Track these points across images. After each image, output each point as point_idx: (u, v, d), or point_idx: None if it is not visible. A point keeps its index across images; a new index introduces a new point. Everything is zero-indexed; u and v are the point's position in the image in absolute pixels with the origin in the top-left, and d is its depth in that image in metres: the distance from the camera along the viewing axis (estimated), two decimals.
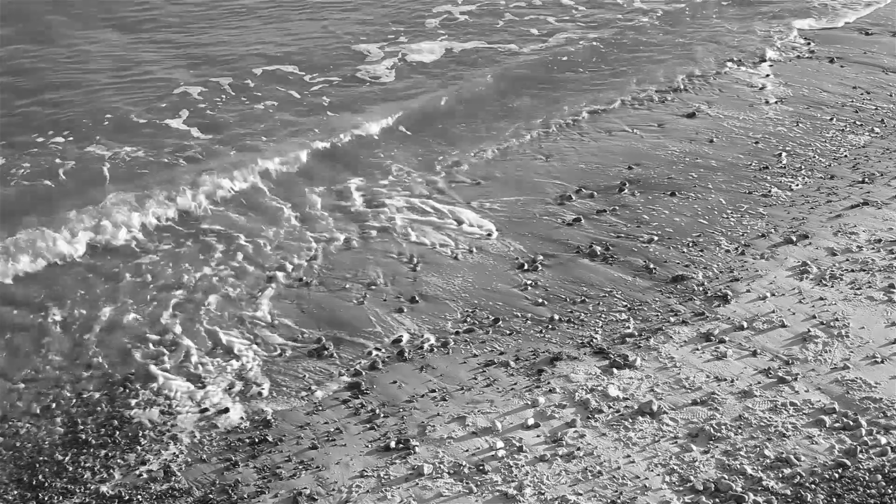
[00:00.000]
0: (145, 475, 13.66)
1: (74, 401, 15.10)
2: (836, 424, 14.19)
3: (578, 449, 13.88)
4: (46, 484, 13.55)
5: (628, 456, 13.75)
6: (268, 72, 26.63)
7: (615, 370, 15.43)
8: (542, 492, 13.17)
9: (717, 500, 12.98)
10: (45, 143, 22.42)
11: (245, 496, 13.26)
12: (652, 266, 18.10)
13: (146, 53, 27.52)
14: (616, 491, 13.16)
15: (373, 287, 17.78)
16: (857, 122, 23.58)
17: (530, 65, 27.43)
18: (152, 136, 23.01)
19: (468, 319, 16.86)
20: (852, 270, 17.66)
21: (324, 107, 24.88)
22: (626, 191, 20.74)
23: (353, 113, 24.46)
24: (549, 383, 15.22)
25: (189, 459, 13.94)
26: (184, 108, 24.34)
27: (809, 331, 16.09)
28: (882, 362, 15.36)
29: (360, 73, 26.79)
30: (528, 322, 16.76)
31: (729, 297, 17.02)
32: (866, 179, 20.85)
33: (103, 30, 29.24)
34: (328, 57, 27.71)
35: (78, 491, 13.41)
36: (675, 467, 13.52)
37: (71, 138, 22.68)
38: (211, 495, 13.30)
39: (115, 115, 23.85)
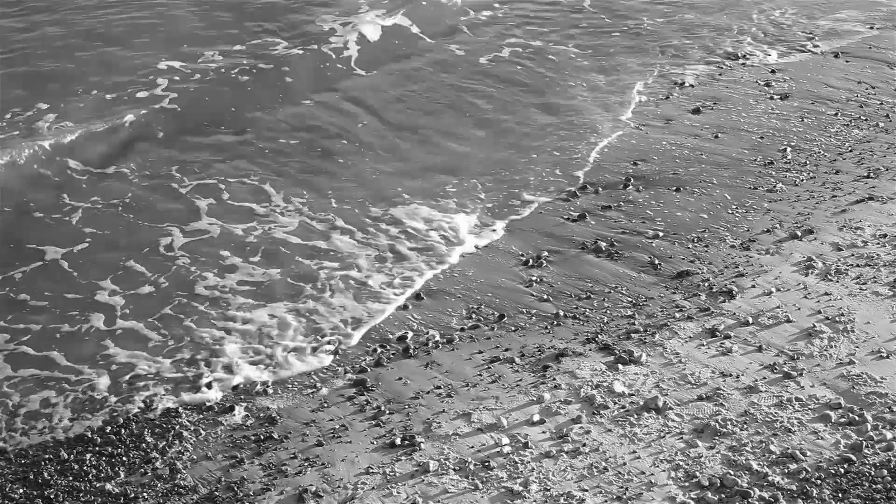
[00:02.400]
0: (150, 473, 13.68)
1: (79, 398, 15.12)
2: (842, 420, 14.17)
3: (584, 445, 13.88)
4: (51, 482, 13.57)
5: (634, 452, 13.75)
6: None
7: (620, 366, 15.42)
8: (548, 488, 13.17)
9: (723, 495, 12.97)
10: None
11: (251, 493, 13.27)
12: (657, 262, 18.09)
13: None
14: (622, 487, 13.16)
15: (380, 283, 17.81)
16: (862, 117, 23.54)
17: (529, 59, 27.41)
18: None
19: (473, 316, 16.86)
20: (857, 265, 17.64)
21: None
22: (630, 187, 20.73)
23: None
24: (554, 379, 15.22)
25: (194, 457, 13.96)
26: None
27: (815, 326, 16.08)
28: (888, 357, 15.35)
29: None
30: (534, 318, 16.76)
31: (734, 293, 17.01)
32: (871, 174, 20.82)
33: None
34: None
35: (83, 489, 13.44)
36: (681, 463, 13.51)
37: None
38: (217, 493, 13.31)
39: None
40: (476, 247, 18.81)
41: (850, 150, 21.94)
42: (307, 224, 19.49)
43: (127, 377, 15.50)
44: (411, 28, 29.57)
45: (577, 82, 26.01)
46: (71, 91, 24.76)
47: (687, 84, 25.70)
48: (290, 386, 15.34)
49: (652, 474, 13.35)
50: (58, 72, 25.77)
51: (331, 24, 29.57)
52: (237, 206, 20.14)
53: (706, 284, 17.37)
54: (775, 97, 24.77)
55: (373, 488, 13.27)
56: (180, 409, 14.86)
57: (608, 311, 16.86)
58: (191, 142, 22.76)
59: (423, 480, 13.38)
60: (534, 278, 17.79)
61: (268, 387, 15.27)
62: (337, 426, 14.43)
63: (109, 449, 14.11)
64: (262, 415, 14.72)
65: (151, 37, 28.06)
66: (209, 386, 15.26)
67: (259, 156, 22.16)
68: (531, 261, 18.33)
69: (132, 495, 13.31)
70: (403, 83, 25.92)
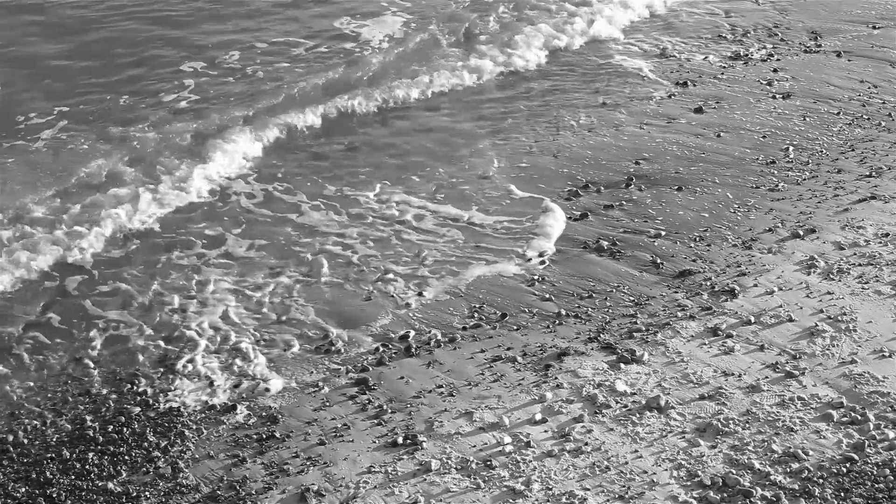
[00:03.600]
0: (152, 472, 13.69)
1: (82, 397, 15.13)
2: (844, 419, 14.18)
3: (586, 444, 13.89)
4: (54, 481, 13.58)
5: (636, 451, 13.75)
6: None
7: (623, 365, 15.42)
8: (550, 487, 13.17)
9: (725, 494, 12.97)
10: None
11: (253, 492, 13.28)
12: (659, 261, 18.08)
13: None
14: (624, 486, 13.16)
15: (381, 282, 17.78)
16: (865, 116, 23.52)
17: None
18: None
19: (475, 315, 16.86)
20: (860, 264, 17.63)
21: None
22: (633, 186, 20.71)
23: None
24: (556, 378, 15.22)
25: (196, 456, 13.97)
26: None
27: (817, 325, 16.08)
28: (890, 356, 15.35)
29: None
30: (536, 317, 16.75)
31: (736, 292, 17.01)
32: (873, 173, 20.81)
33: None
34: None
35: (85, 488, 13.44)
36: (683, 462, 13.52)
37: None
38: (219, 492, 13.32)
39: None
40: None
41: (853, 150, 21.93)
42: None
43: (126, 373, 15.58)
44: None
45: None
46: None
47: (689, 83, 25.67)
48: (292, 385, 15.34)
49: (654, 473, 13.36)
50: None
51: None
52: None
53: (708, 283, 17.36)
54: (777, 96, 24.74)
55: (375, 487, 13.28)
56: (182, 408, 14.87)
57: (610, 311, 16.85)
58: None
59: (426, 479, 13.39)
60: (536, 277, 17.79)
61: (270, 385, 15.29)
62: (339, 425, 14.44)
63: (111, 448, 14.13)
64: (264, 413, 14.73)
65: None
66: (212, 385, 15.29)
67: None
68: (533, 259, 18.32)
69: (134, 494, 13.32)
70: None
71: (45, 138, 22.63)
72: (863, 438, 13.78)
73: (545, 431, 14.19)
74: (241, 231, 19.31)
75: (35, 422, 14.68)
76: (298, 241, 19.03)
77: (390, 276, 17.88)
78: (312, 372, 15.62)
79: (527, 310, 16.96)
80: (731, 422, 14.17)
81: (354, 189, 20.75)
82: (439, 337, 16.26)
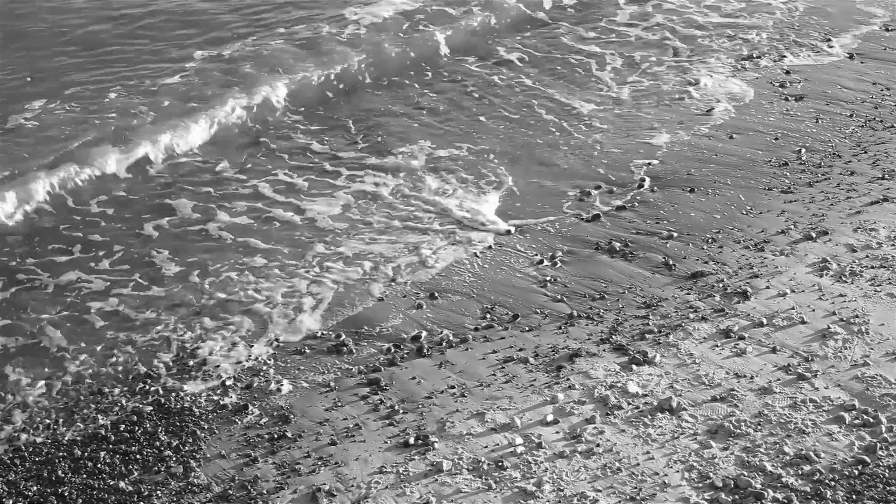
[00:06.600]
0: (164, 471, 13.71)
1: (93, 396, 15.16)
2: (856, 421, 14.15)
3: (598, 445, 13.88)
4: (65, 480, 13.61)
5: (647, 452, 13.74)
6: None
7: (634, 367, 15.41)
8: (561, 488, 13.17)
9: (737, 496, 12.96)
10: None
11: (264, 492, 13.29)
12: (671, 262, 18.07)
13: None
14: (635, 487, 13.15)
15: (392, 283, 17.79)
16: (877, 119, 23.48)
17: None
18: None
19: (487, 316, 16.86)
20: (872, 267, 17.59)
21: None
22: (645, 187, 20.70)
23: None
24: (568, 380, 15.21)
25: (208, 455, 13.98)
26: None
27: (829, 327, 16.04)
28: None
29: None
30: (547, 318, 16.74)
31: (748, 294, 16.98)
32: (886, 176, 20.76)
33: None
34: None
35: (97, 487, 13.47)
36: (695, 464, 13.50)
37: None
38: (230, 491, 13.34)
39: None
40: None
41: (865, 152, 21.89)
42: None
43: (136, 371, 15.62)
44: None
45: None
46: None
47: (701, 84, 25.65)
48: (304, 385, 15.35)
49: (665, 475, 13.34)
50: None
51: None
52: None
53: (720, 285, 17.34)
54: (790, 98, 24.72)
55: (386, 487, 13.28)
56: (194, 408, 14.89)
57: (622, 312, 16.84)
58: None
59: (437, 480, 13.39)
60: (547, 278, 17.78)
61: (283, 385, 15.31)
62: (350, 425, 14.44)
63: (123, 446, 14.15)
64: (275, 413, 14.74)
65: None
66: (223, 385, 15.31)
67: None
68: (545, 261, 18.32)
69: (146, 493, 13.35)
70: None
71: None
72: (875, 441, 13.75)
73: (557, 432, 14.19)
74: None
75: (46, 420, 14.72)
76: None
77: None
78: (325, 372, 15.63)
79: (539, 311, 16.95)
80: (743, 424, 14.15)
81: None
82: (451, 338, 16.26)
